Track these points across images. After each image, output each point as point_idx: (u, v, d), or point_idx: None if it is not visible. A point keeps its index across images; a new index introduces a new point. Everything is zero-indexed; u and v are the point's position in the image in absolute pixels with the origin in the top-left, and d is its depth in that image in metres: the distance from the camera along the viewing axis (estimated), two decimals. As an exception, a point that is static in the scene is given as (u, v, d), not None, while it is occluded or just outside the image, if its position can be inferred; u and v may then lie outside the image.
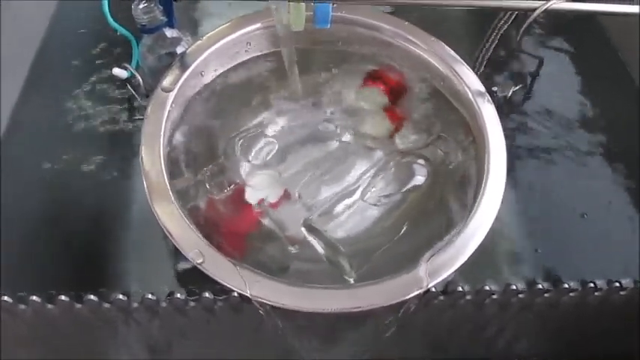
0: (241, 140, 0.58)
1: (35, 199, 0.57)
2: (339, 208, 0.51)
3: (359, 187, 0.52)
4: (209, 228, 0.51)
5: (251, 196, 0.55)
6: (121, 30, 0.57)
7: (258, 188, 0.55)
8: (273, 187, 0.56)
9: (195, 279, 0.51)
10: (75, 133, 0.62)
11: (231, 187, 0.55)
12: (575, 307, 0.54)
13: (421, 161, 0.54)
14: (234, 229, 0.54)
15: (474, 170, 0.54)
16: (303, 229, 0.51)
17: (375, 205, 0.51)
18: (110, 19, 0.56)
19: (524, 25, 0.60)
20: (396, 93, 0.62)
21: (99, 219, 0.56)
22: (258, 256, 0.52)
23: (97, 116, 0.63)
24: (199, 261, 0.45)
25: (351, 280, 0.49)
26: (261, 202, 0.54)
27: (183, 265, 0.52)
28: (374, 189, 0.52)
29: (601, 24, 0.76)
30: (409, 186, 0.52)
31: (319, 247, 0.51)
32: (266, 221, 0.54)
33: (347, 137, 0.60)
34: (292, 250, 0.52)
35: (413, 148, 0.57)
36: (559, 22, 0.75)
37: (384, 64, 0.63)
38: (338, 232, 0.49)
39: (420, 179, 0.53)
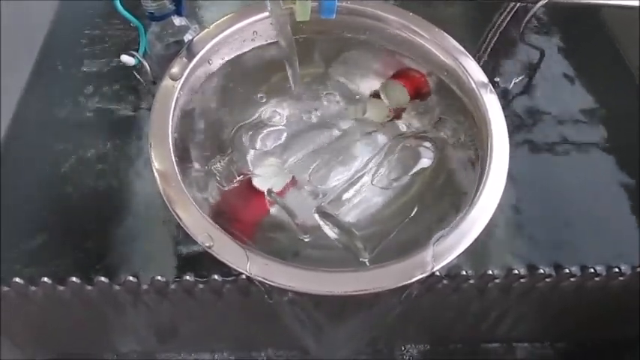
0: (250, 131, 0.59)
1: (45, 185, 0.58)
2: (350, 193, 0.52)
3: (367, 171, 0.53)
4: (219, 217, 0.51)
5: (259, 185, 0.56)
6: (130, 17, 0.58)
7: (266, 177, 0.56)
8: (280, 175, 0.56)
9: (202, 262, 0.52)
10: (82, 121, 0.62)
11: (240, 177, 0.56)
12: (575, 292, 0.55)
13: (426, 144, 0.55)
14: (244, 217, 0.55)
15: (477, 154, 0.55)
16: (316, 215, 0.52)
17: (385, 188, 0.51)
18: (119, 7, 0.56)
19: (527, 17, 0.61)
20: (419, 94, 0.62)
21: (107, 205, 0.56)
22: (268, 244, 0.52)
23: (105, 104, 0.64)
24: (209, 244, 0.46)
25: (367, 262, 0.50)
26: (269, 190, 0.55)
27: (191, 249, 0.53)
28: (382, 173, 0.53)
29: (601, 17, 0.77)
30: (416, 169, 0.53)
31: (332, 232, 0.52)
32: (276, 210, 0.54)
33: (349, 124, 0.61)
34: (304, 238, 0.53)
35: (416, 131, 0.58)
36: (560, 15, 0.76)
37: (392, 55, 0.63)
38: (350, 216, 0.50)
39: (426, 162, 0.54)
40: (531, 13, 0.60)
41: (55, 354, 0.65)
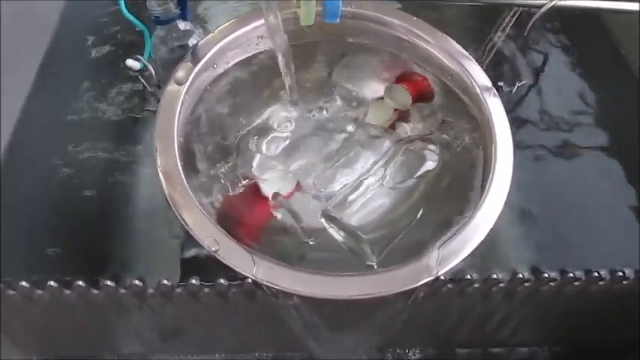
0: (255, 136, 0.59)
1: (50, 188, 0.58)
2: (355, 196, 0.52)
3: (372, 175, 0.53)
4: (224, 221, 0.51)
5: (266, 190, 0.56)
6: (135, 21, 0.58)
7: (272, 181, 0.56)
8: (286, 180, 0.57)
9: (208, 266, 0.52)
10: (87, 124, 0.63)
11: (245, 181, 0.56)
12: (578, 296, 0.56)
13: (431, 146, 0.55)
14: (250, 221, 0.55)
15: (481, 157, 0.56)
16: (322, 219, 0.52)
17: (391, 189, 0.52)
18: (125, 10, 0.56)
19: (531, 21, 0.61)
20: (422, 97, 0.62)
21: (113, 209, 0.56)
22: (273, 247, 0.53)
23: (109, 108, 0.64)
24: (214, 248, 0.46)
25: (374, 265, 0.50)
26: (275, 194, 0.55)
27: (196, 253, 0.53)
28: (387, 176, 0.53)
29: (604, 21, 0.77)
30: (421, 171, 0.53)
31: (338, 236, 0.52)
32: (281, 214, 0.54)
33: (353, 128, 0.61)
34: (309, 241, 0.53)
35: (421, 134, 0.58)
36: (563, 19, 0.76)
37: (396, 59, 0.64)
38: (355, 219, 0.50)
39: (431, 164, 0.54)
40: (535, 17, 0.60)
41: (55, 355, 0.65)
